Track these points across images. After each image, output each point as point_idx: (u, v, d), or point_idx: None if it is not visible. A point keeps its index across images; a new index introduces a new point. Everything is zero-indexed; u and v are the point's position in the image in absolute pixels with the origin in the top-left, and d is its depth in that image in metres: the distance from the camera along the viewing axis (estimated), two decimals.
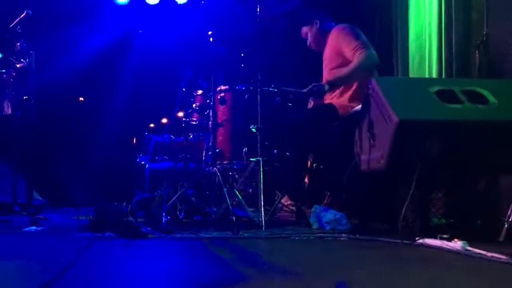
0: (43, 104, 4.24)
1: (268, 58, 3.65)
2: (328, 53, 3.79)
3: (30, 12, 3.90)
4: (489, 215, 2.60)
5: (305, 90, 3.55)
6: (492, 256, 2.06)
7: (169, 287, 1.75)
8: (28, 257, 2.27)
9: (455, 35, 3.74)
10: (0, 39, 4.12)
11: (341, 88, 3.65)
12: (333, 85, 3.56)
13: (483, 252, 2.13)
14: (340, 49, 3.63)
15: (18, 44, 3.88)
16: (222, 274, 1.94)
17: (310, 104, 4.03)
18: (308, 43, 3.92)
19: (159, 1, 5.56)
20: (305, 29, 3.91)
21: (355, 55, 3.51)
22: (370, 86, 2.75)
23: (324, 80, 3.68)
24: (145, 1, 5.56)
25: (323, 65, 3.83)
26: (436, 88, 2.63)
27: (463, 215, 2.65)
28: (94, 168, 4.77)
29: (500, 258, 2.03)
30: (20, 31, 3.90)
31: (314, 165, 3.85)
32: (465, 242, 2.25)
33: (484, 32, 3.23)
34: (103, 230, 2.83)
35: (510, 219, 2.42)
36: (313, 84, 3.52)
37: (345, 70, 3.54)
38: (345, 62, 3.58)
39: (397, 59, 4.82)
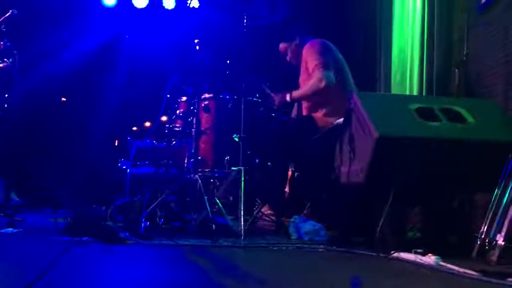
0: (25, 105, 4.20)
1: (253, 68, 3.70)
2: (301, 66, 3.89)
3: (15, 11, 3.87)
4: (463, 231, 2.66)
5: (274, 99, 3.83)
6: (464, 272, 2.12)
7: None
8: (5, 259, 2.25)
9: (436, 53, 3.82)
10: None
11: (311, 104, 3.77)
12: (293, 100, 3.83)
13: (455, 268, 2.18)
14: (306, 64, 3.75)
15: (1, 43, 3.85)
16: (200, 283, 1.95)
17: (294, 112, 4.09)
18: (288, 58, 3.98)
19: (147, 5, 5.55)
20: (283, 45, 3.97)
21: (313, 74, 3.66)
22: (352, 100, 2.80)
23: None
24: (132, 5, 5.54)
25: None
26: (416, 106, 2.69)
27: (438, 230, 2.71)
28: (74, 170, 4.73)
29: (471, 274, 2.09)
30: (4, 30, 3.86)
31: (296, 174, 3.89)
32: (438, 257, 2.30)
33: (464, 52, 3.31)
34: (81, 234, 2.81)
35: (483, 236, 2.48)
36: (280, 95, 3.79)
37: (302, 90, 3.77)
38: (309, 77, 3.73)
39: (380, 73, 4.91)
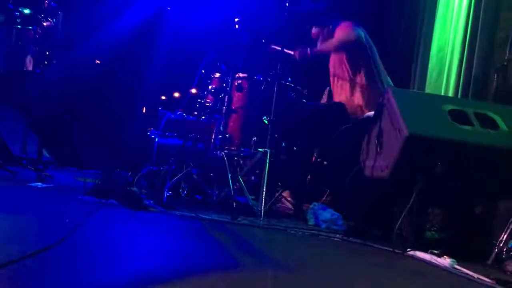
0: (63, 65, 4.29)
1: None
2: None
3: None
4: (481, 237, 2.66)
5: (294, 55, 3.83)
6: (478, 278, 2.13)
7: (167, 265, 1.82)
8: (36, 214, 2.35)
9: (477, 55, 3.76)
10: None
11: (350, 87, 3.75)
12: (315, 55, 3.81)
13: (470, 273, 2.20)
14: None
15: (47, 2, 3.92)
16: (219, 258, 2.01)
17: (324, 99, 4.09)
18: (319, 44, 3.96)
19: None
20: (316, 30, 3.95)
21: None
22: (385, 95, 2.79)
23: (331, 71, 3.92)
24: None
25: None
26: (449, 107, 2.67)
27: (457, 233, 2.71)
28: (104, 133, 4.83)
29: (485, 281, 2.10)
30: None
31: (318, 159, 3.90)
32: (453, 260, 2.32)
33: (506, 57, 3.25)
34: (107, 197, 2.91)
35: (501, 244, 2.48)
36: (299, 50, 3.80)
37: (327, 42, 3.78)
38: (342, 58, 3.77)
39: (416, 67, 4.83)
